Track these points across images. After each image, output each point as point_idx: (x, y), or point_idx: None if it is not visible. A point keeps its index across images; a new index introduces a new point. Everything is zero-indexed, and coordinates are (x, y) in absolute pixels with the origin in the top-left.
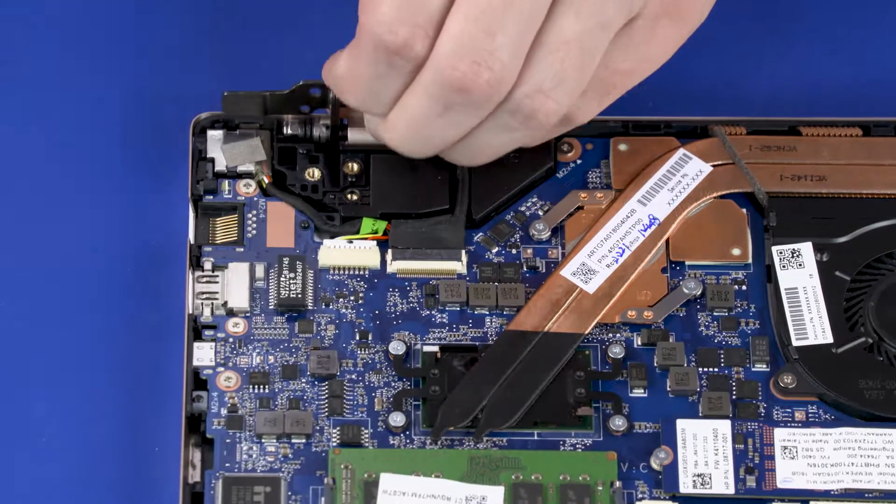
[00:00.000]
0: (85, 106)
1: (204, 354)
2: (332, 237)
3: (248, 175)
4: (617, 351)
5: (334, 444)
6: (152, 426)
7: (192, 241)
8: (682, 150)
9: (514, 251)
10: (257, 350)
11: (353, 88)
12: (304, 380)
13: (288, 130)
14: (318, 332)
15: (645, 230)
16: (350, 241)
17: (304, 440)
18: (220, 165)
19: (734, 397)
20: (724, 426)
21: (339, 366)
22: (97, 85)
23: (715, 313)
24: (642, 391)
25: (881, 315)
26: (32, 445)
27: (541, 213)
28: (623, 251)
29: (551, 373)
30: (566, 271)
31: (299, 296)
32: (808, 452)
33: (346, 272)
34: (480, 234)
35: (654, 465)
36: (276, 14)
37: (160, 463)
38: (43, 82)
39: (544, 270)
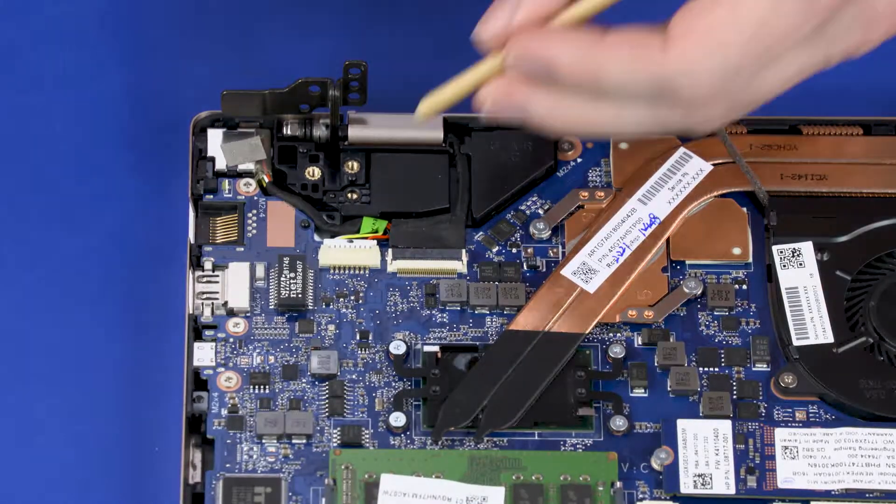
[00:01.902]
0: (85, 105)
1: (204, 354)
2: (333, 236)
3: (249, 174)
4: (617, 351)
5: (335, 444)
6: (152, 426)
7: (192, 241)
8: (682, 149)
9: (514, 250)
10: (258, 350)
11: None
12: (304, 380)
13: (287, 131)
14: (319, 332)
15: (645, 229)
16: (350, 241)
17: (304, 441)
18: (221, 164)
19: (735, 397)
20: (725, 426)
21: (339, 366)
22: (97, 84)
23: (715, 313)
24: (643, 391)
25: (882, 315)
26: (32, 445)
27: (541, 212)
28: (623, 250)
29: (552, 373)
30: (567, 271)
31: (299, 296)
32: (809, 452)
33: (347, 272)
34: (481, 233)
35: (655, 465)
36: (275, 13)
37: (160, 463)
38: (43, 82)
39: (545, 270)
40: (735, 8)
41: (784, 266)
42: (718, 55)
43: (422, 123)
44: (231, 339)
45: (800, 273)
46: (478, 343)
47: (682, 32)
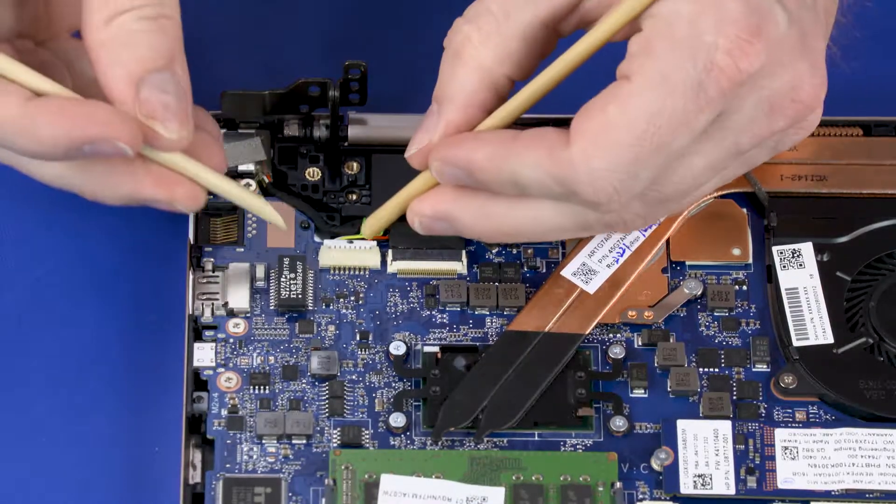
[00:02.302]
0: None
1: (204, 355)
2: (333, 237)
3: (249, 175)
4: (617, 351)
5: (335, 444)
6: (152, 426)
7: (193, 242)
8: None
9: (514, 251)
10: (258, 351)
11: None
12: (304, 380)
13: (287, 132)
14: (319, 332)
15: (645, 230)
16: (350, 242)
17: (304, 441)
18: None
19: (735, 398)
20: (725, 427)
21: (339, 366)
22: None
23: (715, 313)
24: (643, 391)
25: (882, 315)
26: (32, 445)
27: None
28: (623, 251)
29: (552, 373)
30: (567, 271)
31: (300, 296)
32: (809, 453)
33: (347, 272)
34: None
35: (655, 465)
36: (275, 13)
37: (160, 463)
38: None
39: (545, 270)
40: (624, 106)
41: (784, 267)
42: (612, 154)
43: (369, 237)
44: (231, 340)
45: (800, 274)
46: (478, 344)
47: (580, 132)
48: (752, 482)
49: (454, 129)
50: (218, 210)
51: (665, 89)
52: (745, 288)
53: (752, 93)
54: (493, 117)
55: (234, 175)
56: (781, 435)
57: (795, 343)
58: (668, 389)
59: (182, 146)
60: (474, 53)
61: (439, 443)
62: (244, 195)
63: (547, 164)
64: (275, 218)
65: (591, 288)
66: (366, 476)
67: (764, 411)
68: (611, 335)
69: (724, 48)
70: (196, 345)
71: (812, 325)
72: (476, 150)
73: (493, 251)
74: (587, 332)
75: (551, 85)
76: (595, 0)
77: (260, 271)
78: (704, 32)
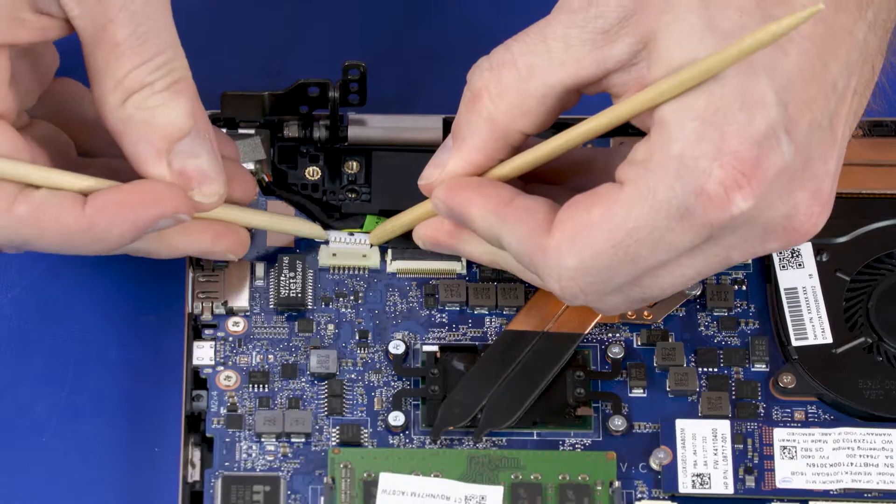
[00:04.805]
0: None
1: (204, 353)
2: (332, 229)
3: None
4: (616, 351)
5: (334, 443)
6: (152, 425)
7: None
8: None
9: None
10: (257, 349)
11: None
12: (303, 379)
13: (287, 133)
14: (318, 331)
15: None
16: (351, 234)
17: (303, 439)
18: None
19: (733, 397)
20: (724, 426)
21: (338, 365)
22: None
23: (714, 313)
24: (642, 391)
25: (881, 315)
26: (32, 445)
27: None
28: None
29: (551, 373)
30: None
31: (299, 295)
32: (808, 452)
33: (346, 272)
34: None
35: (654, 465)
36: (275, 14)
37: (160, 462)
38: None
39: None
40: (608, 212)
41: (783, 267)
42: (585, 256)
43: (375, 245)
44: (230, 338)
45: (799, 273)
46: (477, 343)
47: (562, 224)
48: (750, 482)
49: (461, 172)
50: None
51: (650, 206)
52: (744, 288)
53: (744, 223)
54: (501, 167)
55: None
56: (780, 434)
57: (794, 343)
58: (667, 389)
59: (221, 202)
60: (489, 106)
61: (438, 442)
62: (280, 222)
63: (526, 245)
64: (316, 231)
65: None
66: (364, 475)
67: (763, 411)
68: (610, 335)
69: (718, 178)
70: (195, 343)
71: (811, 324)
72: (472, 203)
73: None
74: (586, 332)
75: (563, 150)
76: (621, 78)
77: (259, 270)
78: (701, 157)
